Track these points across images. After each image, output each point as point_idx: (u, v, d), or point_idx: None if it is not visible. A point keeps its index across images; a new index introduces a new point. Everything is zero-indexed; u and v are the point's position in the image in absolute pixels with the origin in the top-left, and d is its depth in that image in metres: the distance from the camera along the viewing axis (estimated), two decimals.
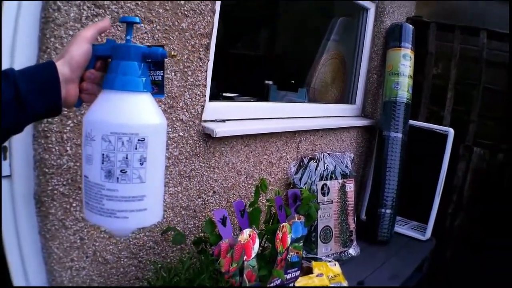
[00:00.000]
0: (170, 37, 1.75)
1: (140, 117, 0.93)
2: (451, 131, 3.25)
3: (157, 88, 1.06)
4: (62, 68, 0.92)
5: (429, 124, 3.45)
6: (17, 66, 1.36)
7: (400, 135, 3.14)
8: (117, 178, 0.90)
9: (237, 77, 3.76)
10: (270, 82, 3.40)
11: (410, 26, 3.33)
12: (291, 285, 2.13)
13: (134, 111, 0.93)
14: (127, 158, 0.90)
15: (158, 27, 1.69)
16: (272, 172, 2.53)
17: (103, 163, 0.90)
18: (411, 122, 3.31)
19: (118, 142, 0.89)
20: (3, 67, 1.35)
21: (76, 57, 0.94)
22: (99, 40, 1.06)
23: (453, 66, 3.61)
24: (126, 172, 0.90)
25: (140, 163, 0.91)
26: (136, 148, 0.90)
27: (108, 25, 1.03)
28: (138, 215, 0.93)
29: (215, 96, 2.86)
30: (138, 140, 0.90)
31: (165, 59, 1.04)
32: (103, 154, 0.89)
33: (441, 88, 3.68)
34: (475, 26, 3.57)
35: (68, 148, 1.51)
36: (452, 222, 3.66)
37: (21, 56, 1.38)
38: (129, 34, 0.99)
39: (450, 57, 3.63)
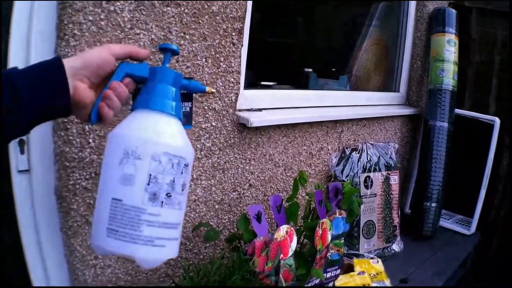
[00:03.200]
0: (200, 21, 1.65)
1: (187, 142, 0.92)
2: (497, 121, 3.13)
3: (185, 119, 1.04)
4: (73, 61, 0.87)
5: (474, 113, 3.32)
6: (34, 56, 1.31)
7: (446, 124, 3.02)
8: (162, 201, 0.86)
9: (275, 66, 3.67)
10: (310, 70, 3.28)
11: (453, 10, 3.19)
12: (330, 284, 2.02)
13: (182, 135, 0.91)
14: (174, 181, 0.87)
15: (186, 10, 1.59)
16: (312, 164, 2.41)
17: (149, 184, 0.85)
18: (456, 111, 3.17)
19: (168, 163, 0.86)
20: (20, 58, 1.29)
21: (92, 58, 0.90)
22: None
23: (497, 52, 3.47)
24: (171, 196, 0.87)
25: (182, 189, 0.89)
26: (182, 173, 0.88)
27: (146, 56, 0.98)
28: (172, 244, 0.89)
29: (253, 85, 2.76)
30: (185, 165, 0.89)
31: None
32: (150, 175, 0.85)
33: (485, 75, 3.53)
34: None
35: (90, 140, 1.42)
36: (497, 213, 3.52)
37: (38, 45, 1.32)
38: (166, 61, 0.98)
39: (493, 43, 3.49)
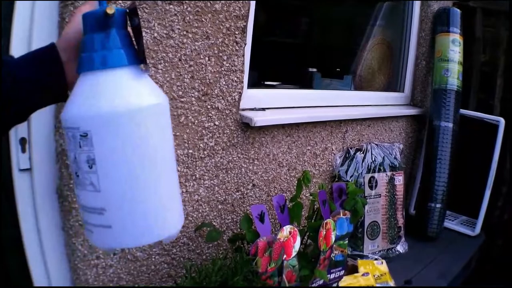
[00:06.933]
0: (203, 19, 1.64)
1: (87, 103, 0.71)
2: (502, 121, 3.11)
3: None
4: (60, 43, 0.81)
5: (479, 113, 3.30)
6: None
7: (451, 124, 2.99)
8: (76, 183, 0.73)
9: (280, 65, 3.66)
10: (314, 70, 3.26)
11: (458, 10, 3.17)
12: (334, 285, 2.00)
13: (92, 96, 0.71)
14: (76, 158, 0.71)
15: (189, 8, 1.58)
16: (316, 164, 2.40)
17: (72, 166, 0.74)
18: (461, 111, 3.16)
19: (68, 139, 0.72)
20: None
21: (69, 34, 0.81)
22: None
23: (501, 52, 3.45)
24: (79, 176, 0.72)
25: (89, 166, 0.70)
26: (80, 146, 0.70)
27: None
28: (100, 231, 0.73)
29: (257, 85, 2.75)
30: (80, 135, 0.70)
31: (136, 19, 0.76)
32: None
33: (489, 75, 3.52)
34: None
35: None
36: (501, 215, 3.49)
37: (40, 43, 1.29)
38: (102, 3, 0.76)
39: (497, 43, 3.47)
